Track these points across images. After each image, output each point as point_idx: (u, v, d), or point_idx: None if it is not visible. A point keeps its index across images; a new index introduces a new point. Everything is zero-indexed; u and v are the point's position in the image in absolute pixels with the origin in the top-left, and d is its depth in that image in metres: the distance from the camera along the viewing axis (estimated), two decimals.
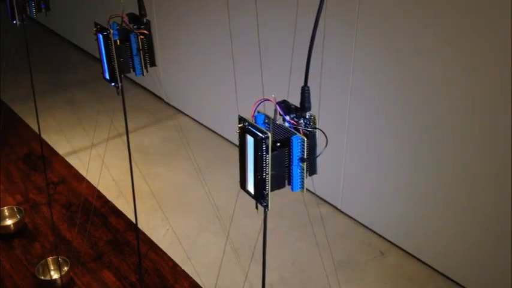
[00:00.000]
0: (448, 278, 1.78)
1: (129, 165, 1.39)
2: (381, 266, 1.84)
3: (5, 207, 2.06)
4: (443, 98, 1.60)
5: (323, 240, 1.84)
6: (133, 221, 2.04)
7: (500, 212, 1.55)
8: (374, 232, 1.98)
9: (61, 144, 2.59)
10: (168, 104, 2.93)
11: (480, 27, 1.45)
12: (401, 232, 1.90)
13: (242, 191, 0.80)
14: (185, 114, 2.84)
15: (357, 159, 1.94)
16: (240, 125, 0.76)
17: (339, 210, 2.09)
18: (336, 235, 1.98)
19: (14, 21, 1.57)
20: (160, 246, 1.94)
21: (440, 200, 1.72)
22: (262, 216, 0.82)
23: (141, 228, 1.99)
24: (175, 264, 1.86)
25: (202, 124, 2.75)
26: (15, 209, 2.05)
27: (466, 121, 1.57)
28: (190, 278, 1.80)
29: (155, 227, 2.04)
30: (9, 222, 2.01)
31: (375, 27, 1.72)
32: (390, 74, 1.73)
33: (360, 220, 2.03)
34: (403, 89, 1.71)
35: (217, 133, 2.66)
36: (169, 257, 1.89)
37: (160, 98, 2.99)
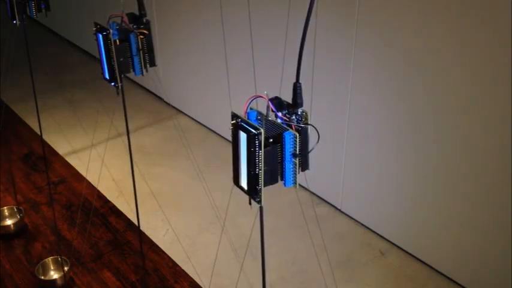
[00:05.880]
0: (448, 278, 1.78)
1: (129, 165, 1.39)
2: (381, 266, 1.84)
3: (5, 207, 2.06)
4: (445, 98, 1.60)
5: (323, 240, 1.84)
6: (134, 221, 2.04)
7: (501, 212, 1.55)
8: (374, 232, 1.98)
9: (61, 144, 2.59)
10: (168, 104, 2.93)
11: (483, 25, 1.45)
12: (401, 232, 1.90)
13: (237, 189, 0.80)
14: (185, 114, 2.84)
15: (357, 159, 1.94)
16: (233, 122, 0.76)
17: (339, 210, 2.09)
18: (336, 235, 1.98)
19: (14, 21, 1.57)
20: (160, 246, 1.94)
21: (440, 200, 1.72)
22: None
23: (141, 228, 1.99)
24: (175, 264, 1.86)
25: (202, 124, 2.75)
26: (15, 209, 2.05)
27: (468, 121, 1.56)
28: (190, 278, 1.80)
29: (155, 227, 2.04)
30: (9, 222, 2.01)
31: (376, 25, 1.72)
32: (391, 73, 1.73)
33: (360, 220, 2.03)
34: (404, 89, 1.71)
35: (217, 133, 2.66)
36: (169, 257, 1.89)
37: (160, 98, 2.99)
